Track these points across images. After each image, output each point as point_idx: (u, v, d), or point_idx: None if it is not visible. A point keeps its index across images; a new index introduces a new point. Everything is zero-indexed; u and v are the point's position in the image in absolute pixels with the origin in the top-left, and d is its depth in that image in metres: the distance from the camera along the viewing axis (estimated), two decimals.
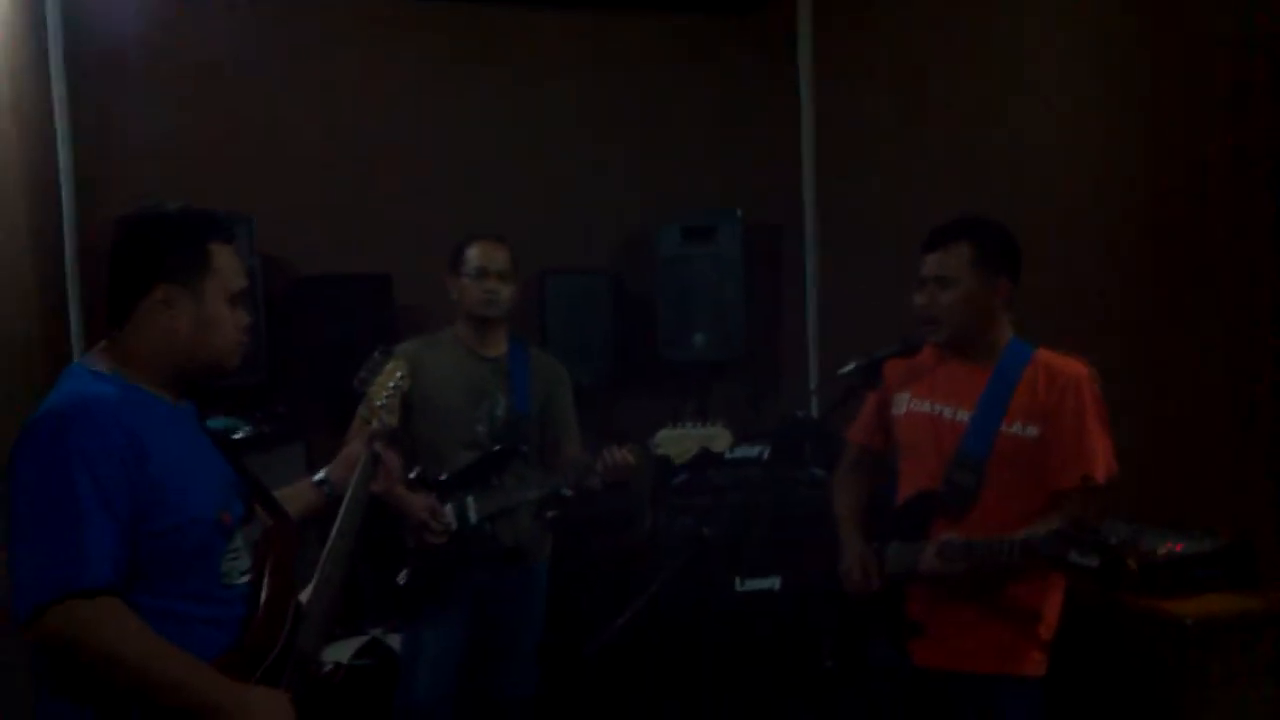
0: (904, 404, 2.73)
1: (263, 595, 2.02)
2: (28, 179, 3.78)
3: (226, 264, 2.04)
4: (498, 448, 3.31)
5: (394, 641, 3.94)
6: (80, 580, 1.74)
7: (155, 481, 1.86)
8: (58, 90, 4.22)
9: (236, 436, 3.98)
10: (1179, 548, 3.01)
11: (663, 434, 3.17)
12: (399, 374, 2.58)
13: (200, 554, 1.94)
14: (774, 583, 4.19)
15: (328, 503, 2.43)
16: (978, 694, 2.56)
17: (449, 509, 3.23)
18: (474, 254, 3.37)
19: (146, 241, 2.00)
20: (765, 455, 4.24)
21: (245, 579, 2.03)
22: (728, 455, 3.89)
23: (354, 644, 3.99)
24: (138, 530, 1.83)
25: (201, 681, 1.82)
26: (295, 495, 2.37)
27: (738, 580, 4.18)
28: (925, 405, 2.67)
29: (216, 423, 3.80)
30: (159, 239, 2.00)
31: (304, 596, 2.20)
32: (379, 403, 2.51)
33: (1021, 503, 2.49)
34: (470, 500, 3.25)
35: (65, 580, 1.73)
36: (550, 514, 3.43)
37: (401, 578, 3.24)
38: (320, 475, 2.47)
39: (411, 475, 3.27)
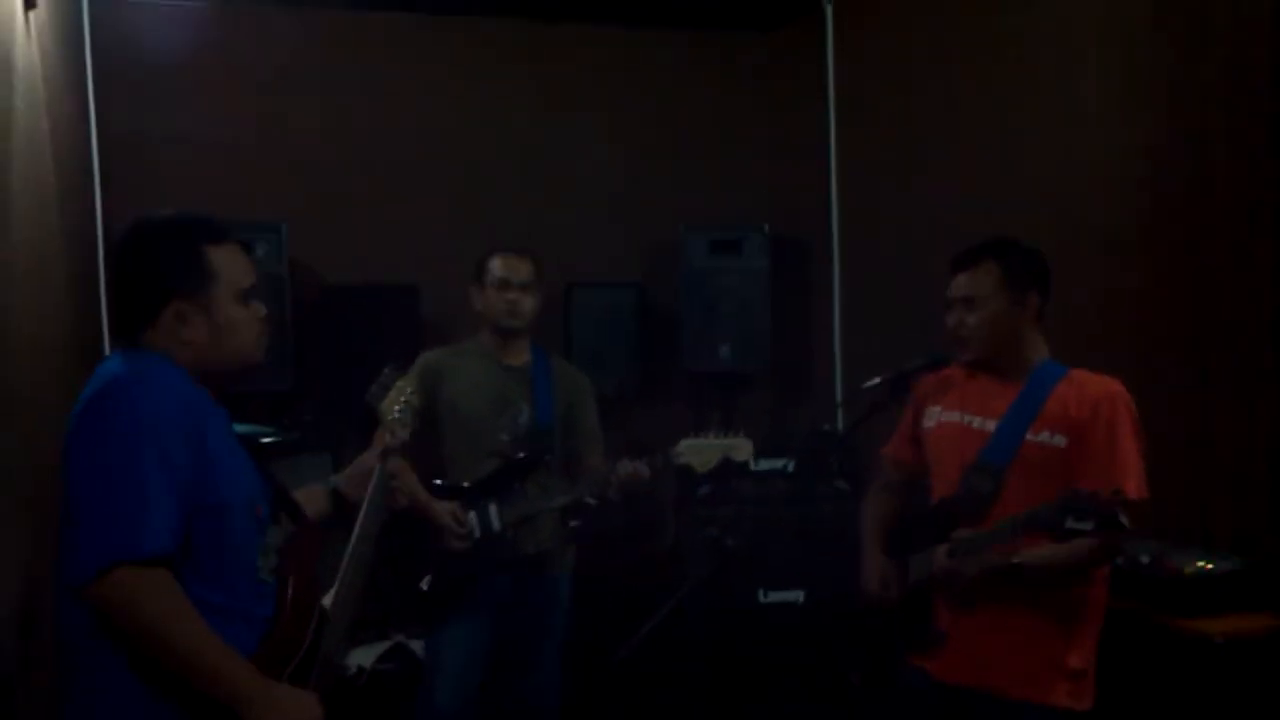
0: (935, 417, 2.70)
1: (289, 596, 2.03)
2: (63, 183, 3.83)
3: (228, 264, 2.01)
4: (522, 456, 3.32)
5: (417, 647, 3.95)
6: (139, 548, 1.74)
7: (210, 457, 1.87)
8: (91, 98, 4.28)
9: (264, 441, 3.99)
10: (1208, 566, 2.99)
11: (685, 443, 3.19)
12: (409, 390, 2.60)
13: (242, 542, 1.95)
14: (798, 596, 4.18)
15: (336, 511, 2.43)
16: (1000, 717, 2.50)
17: (472, 516, 3.24)
18: (497, 265, 3.40)
19: (144, 261, 1.98)
20: (790, 468, 4.23)
21: (274, 579, 2.04)
22: (753, 467, 3.90)
23: (378, 649, 4.00)
24: (192, 503, 1.84)
25: (237, 672, 1.82)
26: (308, 499, 2.38)
27: (761, 592, 4.17)
28: (955, 416, 2.64)
29: (243, 429, 3.83)
30: (155, 257, 1.97)
31: (326, 601, 2.22)
32: (391, 417, 2.53)
33: None
34: (493, 508, 3.26)
35: (124, 547, 1.74)
36: (573, 523, 3.44)
37: (424, 584, 3.25)
38: (332, 482, 2.48)
39: (437, 483, 3.29)
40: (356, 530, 2.35)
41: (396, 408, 2.55)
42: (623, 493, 3.22)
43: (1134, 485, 2.38)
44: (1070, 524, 2.18)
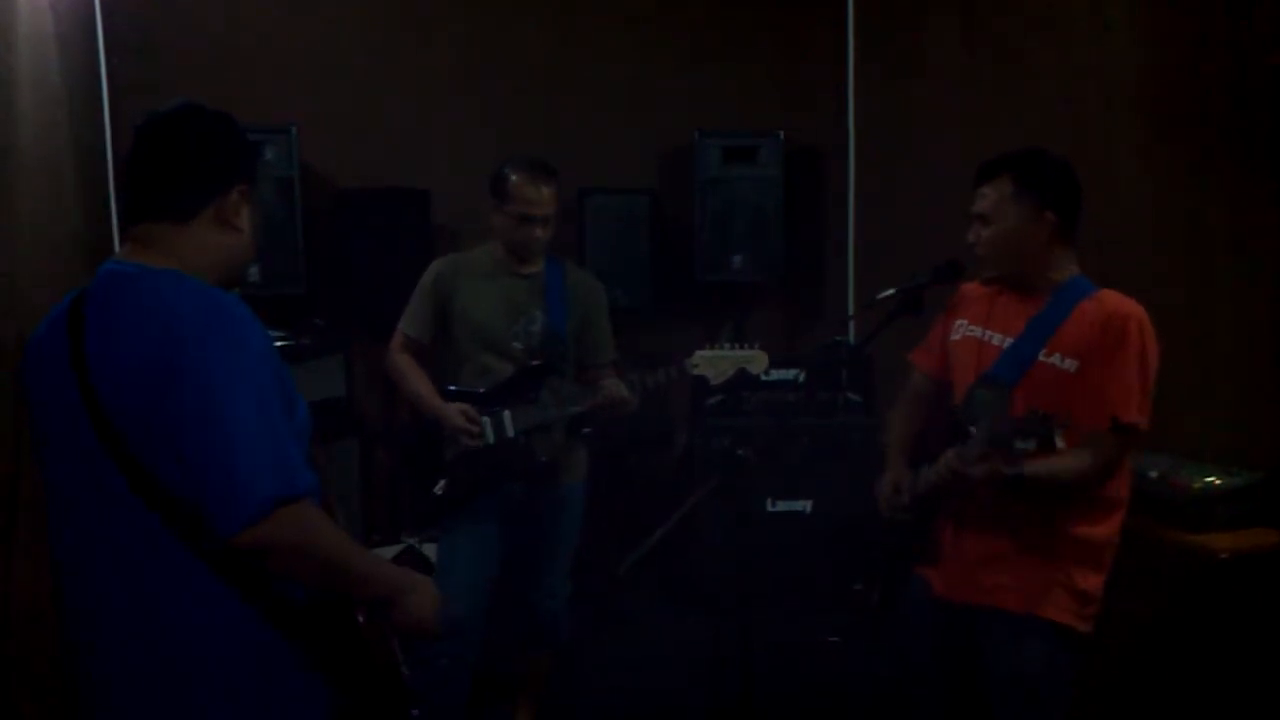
0: (961, 330, 2.65)
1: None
2: (69, 83, 3.80)
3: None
4: (535, 363, 3.32)
5: (429, 551, 4.00)
6: (301, 481, 1.67)
7: (287, 386, 1.79)
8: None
9: (277, 345, 3.99)
10: (1216, 482, 3.00)
11: (700, 354, 3.21)
12: None
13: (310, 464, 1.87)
14: (805, 505, 4.22)
15: None
16: (1001, 631, 2.48)
17: (486, 421, 3.26)
18: (517, 194, 3.26)
19: (229, 138, 1.89)
20: (801, 379, 4.24)
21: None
22: (764, 378, 3.90)
23: (389, 552, 4.05)
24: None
25: (391, 572, 1.93)
26: None
27: (769, 501, 4.21)
28: (976, 331, 2.60)
29: None
30: (238, 137, 1.91)
31: None
32: None
33: None
34: (507, 414, 3.27)
35: (289, 482, 1.65)
36: (585, 431, 3.46)
37: (438, 488, 3.28)
38: None
39: (450, 389, 3.31)
40: None
41: None
42: (603, 413, 3.26)
43: (1128, 410, 2.34)
44: (1018, 445, 2.18)
